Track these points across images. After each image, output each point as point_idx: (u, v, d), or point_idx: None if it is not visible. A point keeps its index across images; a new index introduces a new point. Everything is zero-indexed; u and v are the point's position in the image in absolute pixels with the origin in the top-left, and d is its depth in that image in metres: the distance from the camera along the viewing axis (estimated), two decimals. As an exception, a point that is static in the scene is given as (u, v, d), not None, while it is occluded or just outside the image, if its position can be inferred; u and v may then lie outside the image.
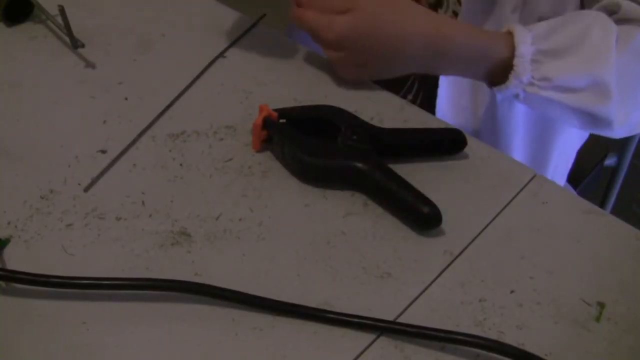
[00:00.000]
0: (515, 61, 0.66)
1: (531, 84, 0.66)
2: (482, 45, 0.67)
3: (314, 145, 0.61)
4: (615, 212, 0.80)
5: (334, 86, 0.70)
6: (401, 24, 0.66)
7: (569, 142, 0.89)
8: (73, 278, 0.51)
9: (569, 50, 0.66)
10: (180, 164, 0.62)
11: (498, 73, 0.67)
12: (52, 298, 0.52)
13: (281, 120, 0.63)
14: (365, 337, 0.51)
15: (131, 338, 0.50)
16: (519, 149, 0.84)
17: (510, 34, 0.67)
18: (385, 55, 0.67)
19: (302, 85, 0.70)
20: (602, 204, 1.20)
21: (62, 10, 0.68)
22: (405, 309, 0.53)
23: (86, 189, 0.60)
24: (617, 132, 0.72)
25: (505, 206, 0.61)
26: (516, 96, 0.68)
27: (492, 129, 0.82)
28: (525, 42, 0.66)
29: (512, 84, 0.66)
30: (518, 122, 0.82)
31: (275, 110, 0.63)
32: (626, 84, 0.68)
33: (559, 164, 0.91)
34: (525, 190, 0.62)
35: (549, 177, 0.87)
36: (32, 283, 0.51)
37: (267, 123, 0.62)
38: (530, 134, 0.84)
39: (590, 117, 0.69)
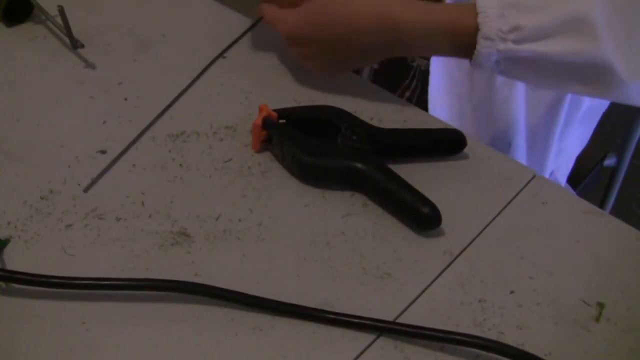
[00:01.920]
0: (480, 18, 0.60)
1: (503, 39, 0.60)
2: (439, 18, 0.63)
3: (313, 146, 0.61)
4: (615, 212, 0.80)
5: (334, 86, 0.70)
6: (349, 12, 0.64)
7: (570, 141, 0.89)
8: (73, 278, 0.51)
9: None
10: (180, 165, 0.62)
11: (468, 44, 0.62)
12: (52, 298, 0.52)
13: (281, 121, 0.63)
14: (365, 338, 0.51)
15: (131, 338, 0.50)
16: (518, 145, 0.83)
17: (470, 4, 0.62)
18: (339, 45, 0.66)
19: (302, 85, 0.70)
20: (601, 204, 1.20)
21: (61, 10, 0.68)
22: (405, 309, 0.53)
23: (86, 189, 0.60)
24: (633, 90, 0.63)
25: (505, 206, 0.61)
26: (496, 64, 0.62)
27: (488, 121, 0.81)
28: (488, 1, 0.61)
29: (482, 47, 0.61)
30: (517, 113, 0.80)
31: (275, 110, 0.63)
32: (629, 22, 0.60)
33: (560, 165, 0.90)
34: (525, 191, 0.62)
35: (548, 176, 0.87)
36: (31, 283, 0.51)
37: (267, 123, 0.62)
38: (530, 128, 0.82)
39: (586, 70, 0.61)
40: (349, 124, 0.63)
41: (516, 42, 0.60)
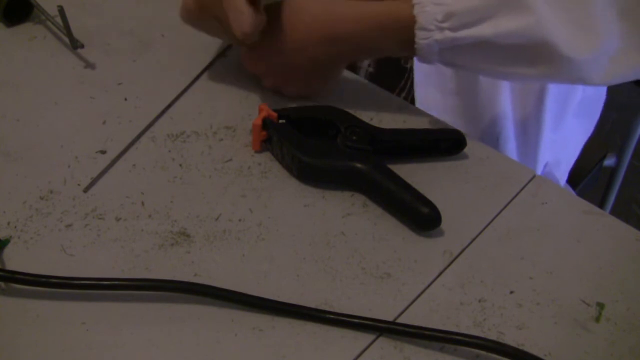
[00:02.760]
0: (415, 10, 0.59)
1: (440, 28, 0.59)
2: (376, 12, 0.62)
3: (313, 146, 0.61)
4: (615, 212, 0.80)
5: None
6: (292, 26, 0.64)
7: (567, 132, 0.88)
8: (72, 278, 0.51)
9: None
10: (180, 165, 0.62)
11: (409, 38, 0.61)
12: (52, 298, 0.52)
13: (281, 121, 0.63)
14: (365, 338, 0.51)
15: (130, 338, 0.50)
16: (508, 137, 0.82)
17: None
18: (292, 63, 0.66)
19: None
20: (601, 204, 1.20)
21: (61, 10, 0.68)
22: (405, 309, 0.53)
23: (86, 190, 0.60)
24: (588, 67, 0.60)
25: (505, 206, 0.61)
26: (439, 55, 0.61)
27: (475, 114, 0.80)
28: None
29: (421, 38, 0.60)
30: (504, 104, 0.79)
31: (275, 110, 0.63)
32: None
33: (560, 158, 0.90)
34: (524, 191, 0.62)
35: (542, 168, 0.87)
36: (31, 283, 0.51)
37: (267, 123, 0.62)
38: (519, 119, 0.81)
39: (528, 50, 0.59)
40: (349, 124, 0.63)
41: (452, 29, 0.59)
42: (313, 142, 0.61)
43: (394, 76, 0.83)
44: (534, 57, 0.60)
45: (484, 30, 0.59)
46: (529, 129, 0.83)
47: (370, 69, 0.85)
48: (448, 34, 0.59)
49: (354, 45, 0.64)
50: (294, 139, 0.61)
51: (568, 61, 0.59)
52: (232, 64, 0.73)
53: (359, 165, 0.60)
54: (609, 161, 1.15)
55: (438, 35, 0.60)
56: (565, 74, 0.62)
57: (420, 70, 0.79)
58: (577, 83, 0.65)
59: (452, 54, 0.61)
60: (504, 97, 0.79)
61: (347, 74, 0.72)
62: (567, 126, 0.87)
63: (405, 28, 0.61)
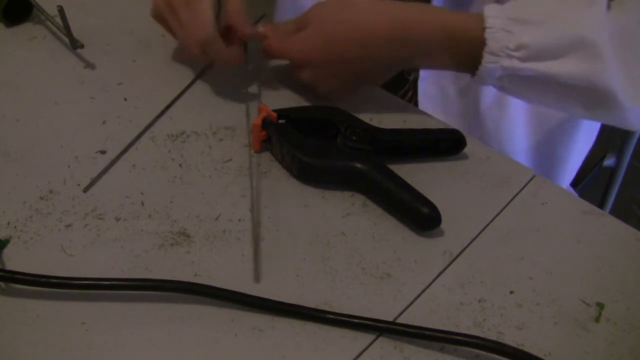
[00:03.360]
0: (487, 33, 0.60)
1: (508, 56, 0.60)
2: (450, 26, 0.62)
3: (312, 146, 0.61)
4: (614, 212, 0.79)
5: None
6: (358, 28, 0.63)
7: (575, 147, 0.88)
8: (72, 278, 0.51)
9: (545, 13, 0.60)
10: (180, 165, 0.62)
11: (472, 57, 0.61)
12: (52, 298, 0.51)
13: (280, 121, 0.63)
14: (365, 338, 0.51)
15: (130, 338, 0.50)
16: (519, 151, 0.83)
17: (479, 14, 0.61)
18: (354, 64, 0.64)
19: (301, 86, 0.70)
20: (601, 205, 1.20)
21: (61, 10, 0.68)
22: (405, 309, 0.53)
23: (85, 190, 0.60)
24: (633, 114, 0.63)
25: (505, 207, 0.61)
26: (498, 80, 0.62)
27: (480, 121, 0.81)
28: (495, 15, 0.60)
29: (487, 61, 0.60)
30: (511, 131, 0.80)
31: (275, 110, 0.63)
32: (632, 47, 0.60)
33: (565, 171, 0.90)
34: (524, 191, 0.62)
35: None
36: (31, 284, 0.51)
37: (266, 123, 0.62)
38: (531, 139, 0.82)
39: (588, 93, 0.61)
40: (349, 124, 0.63)
41: (521, 59, 0.60)
42: (313, 142, 0.61)
43: (393, 84, 0.83)
44: (591, 100, 0.62)
45: (552, 67, 0.60)
46: (541, 153, 0.84)
47: None
48: (515, 63, 0.60)
49: (420, 50, 0.64)
50: (294, 139, 0.61)
51: (621, 108, 0.61)
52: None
53: (359, 165, 0.60)
54: (609, 161, 1.15)
55: (505, 62, 0.60)
56: (615, 119, 0.64)
57: (425, 91, 0.79)
58: (621, 126, 0.66)
59: (511, 82, 0.62)
60: (510, 122, 0.80)
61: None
62: (577, 142, 0.87)
63: (472, 47, 0.61)
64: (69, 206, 0.58)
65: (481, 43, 0.60)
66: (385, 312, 0.52)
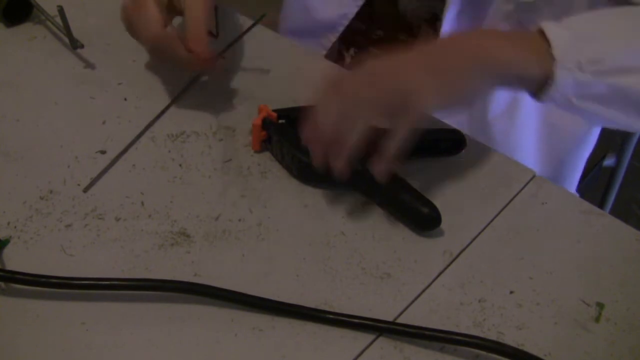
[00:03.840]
0: (555, 50, 0.56)
1: (580, 69, 0.56)
2: (520, 51, 0.58)
3: None
4: (614, 212, 0.80)
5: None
6: (449, 56, 0.58)
7: (583, 155, 0.88)
8: (72, 279, 0.51)
9: (610, 26, 0.58)
10: (180, 165, 0.62)
11: (538, 76, 0.58)
12: (51, 299, 0.52)
13: (280, 121, 0.63)
14: (365, 338, 0.51)
15: (130, 339, 0.50)
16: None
17: (539, 33, 0.58)
18: (447, 87, 0.58)
19: (301, 86, 0.70)
20: (601, 205, 1.20)
21: (61, 10, 0.68)
22: (405, 309, 0.53)
23: (85, 190, 0.60)
24: None
25: (505, 206, 0.61)
26: (569, 98, 0.58)
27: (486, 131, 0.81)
28: (559, 32, 0.57)
29: (560, 77, 0.56)
30: (520, 144, 0.80)
31: (275, 110, 0.63)
32: None
33: (573, 177, 0.90)
34: (524, 191, 0.62)
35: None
36: (31, 284, 0.51)
37: (267, 123, 0.62)
38: (540, 148, 0.82)
39: None
40: None
41: (595, 74, 0.57)
42: None
43: None
44: None
45: (626, 81, 0.57)
46: (550, 162, 0.83)
47: None
48: (589, 77, 0.57)
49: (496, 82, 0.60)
50: (294, 139, 0.61)
51: None
52: (232, 64, 0.73)
53: (358, 165, 0.60)
54: (609, 161, 1.15)
55: (579, 77, 0.57)
56: None
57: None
58: None
59: (581, 98, 0.59)
60: (519, 132, 0.79)
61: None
62: (587, 150, 0.87)
63: (540, 66, 0.57)
64: (69, 206, 0.58)
65: (550, 60, 0.57)
66: (385, 312, 0.52)
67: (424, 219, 0.58)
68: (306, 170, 0.61)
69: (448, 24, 0.74)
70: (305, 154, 0.60)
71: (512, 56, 0.58)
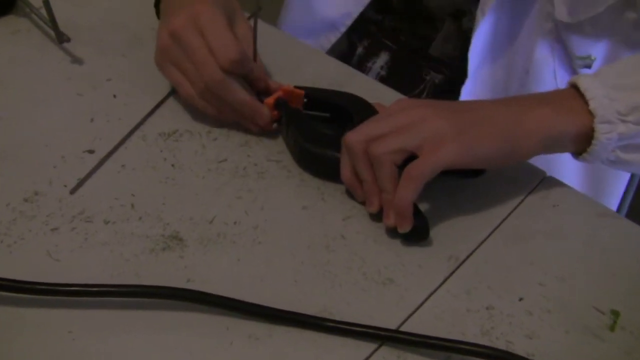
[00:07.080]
0: (592, 104, 0.57)
1: (623, 121, 0.57)
2: (559, 122, 0.59)
3: (317, 133, 0.62)
4: (631, 215, 0.80)
5: (334, 84, 0.70)
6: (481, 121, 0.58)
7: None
8: (58, 285, 0.51)
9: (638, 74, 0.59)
10: (172, 165, 0.63)
11: (580, 137, 0.58)
12: (37, 306, 0.52)
13: (305, 100, 0.65)
14: (366, 347, 0.51)
15: (120, 348, 0.50)
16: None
17: (572, 89, 0.59)
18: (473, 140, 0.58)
19: (300, 81, 0.70)
20: (618, 208, 1.20)
21: (46, 2, 0.68)
22: (408, 317, 0.53)
23: (72, 191, 0.60)
24: None
25: (514, 209, 0.61)
26: (611, 152, 0.59)
27: None
28: (593, 86, 0.58)
29: (602, 132, 0.57)
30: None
31: (301, 88, 0.65)
32: None
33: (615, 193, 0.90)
34: (534, 192, 0.62)
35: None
36: (15, 290, 0.51)
37: (279, 104, 0.64)
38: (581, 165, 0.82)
39: None
40: (363, 116, 0.62)
41: (635, 123, 0.57)
42: (320, 129, 0.62)
43: (409, 84, 0.83)
44: None
45: None
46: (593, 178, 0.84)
47: (383, 73, 0.85)
48: (631, 127, 0.57)
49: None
50: (301, 123, 0.62)
51: None
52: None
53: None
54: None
55: (621, 128, 0.57)
56: None
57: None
58: None
59: (625, 150, 0.59)
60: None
61: (357, 74, 0.73)
62: None
63: (581, 123, 0.58)
64: (55, 208, 0.58)
65: (588, 118, 0.58)
66: (387, 320, 0.52)
67: (409, 231, 0.57)
68: (305, 157, 0.62)
69: (479, 39, 0.75)
70: (308, 140, 0.61)
71: (555, 124, 0.58)
